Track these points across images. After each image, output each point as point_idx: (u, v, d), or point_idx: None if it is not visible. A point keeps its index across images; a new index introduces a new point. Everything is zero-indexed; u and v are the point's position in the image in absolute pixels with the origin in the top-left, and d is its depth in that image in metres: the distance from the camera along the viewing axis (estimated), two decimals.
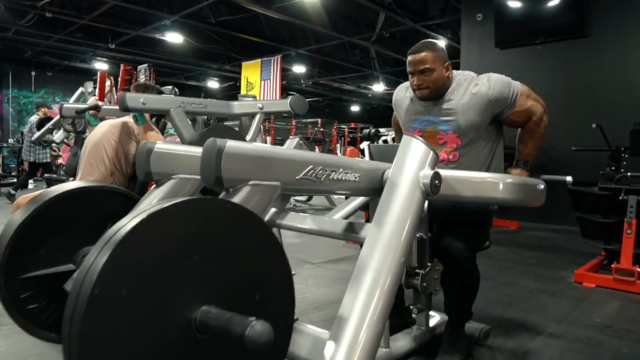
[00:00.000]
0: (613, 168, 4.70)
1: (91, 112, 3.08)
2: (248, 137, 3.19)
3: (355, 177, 1.35)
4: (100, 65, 14.17)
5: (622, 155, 4.57)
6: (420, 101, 2.00)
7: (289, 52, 12.14)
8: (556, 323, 2.43)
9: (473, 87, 1.91)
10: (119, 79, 4.95)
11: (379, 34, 10.16)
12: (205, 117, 3.54)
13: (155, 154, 1.44)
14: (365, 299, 1.18)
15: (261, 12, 9.29)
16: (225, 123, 3.61)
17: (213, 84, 18.02)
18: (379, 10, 9.10)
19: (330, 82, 16.88)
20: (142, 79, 5.19)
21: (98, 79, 5.23)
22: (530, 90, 1.98)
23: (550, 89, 6.19)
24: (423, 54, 1.87)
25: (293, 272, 3.56)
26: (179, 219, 0.87)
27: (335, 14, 10.20)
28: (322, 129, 8.98)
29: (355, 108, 23.84)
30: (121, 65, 5.00)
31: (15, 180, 9.53)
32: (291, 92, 20.15)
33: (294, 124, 17.72)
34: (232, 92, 16.79)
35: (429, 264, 1.79)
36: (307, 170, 1.24)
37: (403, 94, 2.13)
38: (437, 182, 1.33)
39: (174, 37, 11.20)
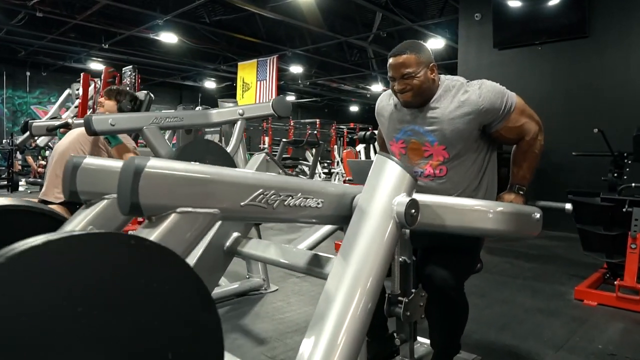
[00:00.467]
0: (615, 175, 4.51)
1: (61, 130, 2.89)
2: (230, 146, 3.00)
3: (318, 204, 1.15)
4: (95, 66, 13.99)
5: (625, 161, 4.37)
6: (404, 108, 1.81)
7: (285, 52, 11.93)
8: (554, 350, 2.24)
9: (462, 94, 1.72)
10: (101, 81, 4.77)
11: (376, 34, 9.97)
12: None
13: (83, 171, 1.25)
14: (325, 347, 0.99)
15: (256, 12, 9.10)
16: (209, 131, 3.40)
17: (210, 84, 17.85)
18: (375, 10, 8.90)
19: (329, 82, 16.69)
20: (126, 81, 5.00)
21: (81, 82, 5.05)
22: (526, 105, 1.79)
23: (551, 90, 6.00)
24: (405, 56, 1.68)
25: (275, 288, 3.35)
26: (56, 261, 0.63)
27: (332, 13, 10.02)
28: (317, 131, 8.77)
29: (354, 108, 23.65)
30: (103, 67, 4.81)
31: (5, 182, 9.37)
32: (290, 93, 19.98)
33: (292, 124, 17.57)
34: (229, 92, 16.60)
35: (414, 290, 1.61)
36: (255, 195, 1.04)
37: (386, 101, 1.95)
38: (413, 211, 1.14)
39: (169, 37, 11.03)
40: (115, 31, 10.80)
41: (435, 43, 10.64)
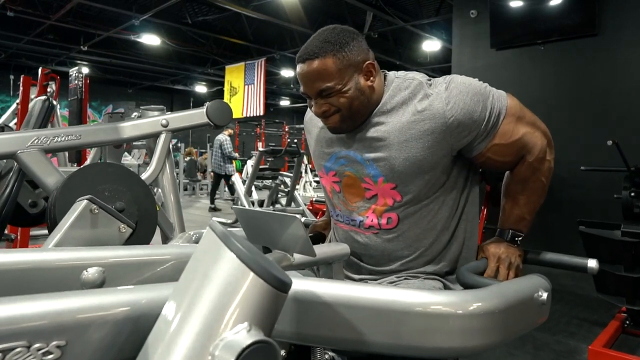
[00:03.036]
0: (633, 194, 3.88)
1: None
2: (150, 168, 2.37)
3: (48, 353, 0.51)
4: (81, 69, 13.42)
5: None
6: None
7: (273, 54, 11.37)
8: None
9: (420, 101, 1.09)
10: (37, 84, 4.16)
11: (367, 35, 9.37)
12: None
13: None
14: None
15: (240, 12, 8.54)
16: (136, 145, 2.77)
17: (201, 88, 17.33)
18: (366, 9, 8.31)
19: None
20: (73, 85, 4.38)
21: (21, 84, 4.43)
22: (524, 108, 1.14)
23: (555, 95, 5.35)
24: (318, 61, 1.05)
25: None
26: None
27: (323, 13, 9.48)
28: (296, 139, 8.18)
29: None
30: (40, 68, 4.20)
31: None
32: (284, 97, 19.43)
33: (287, 130, 17.02)
34: (220, 96, 16.05)
35: None
36: None
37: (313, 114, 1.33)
38: None
39: (150, 39, 10.48)
40: (94, 32, 10.29)
41: (431, 45, 10.06)
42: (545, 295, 0.80)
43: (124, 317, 0.55)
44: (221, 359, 0.49)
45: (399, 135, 1.08)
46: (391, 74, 1.18)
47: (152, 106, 2.53)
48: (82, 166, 2.41)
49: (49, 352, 0.46)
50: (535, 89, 5.46)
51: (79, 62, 13.40)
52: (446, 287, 1.15)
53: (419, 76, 1.14)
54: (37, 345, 0.46)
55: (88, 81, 4.45)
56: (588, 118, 5.10)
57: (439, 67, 12.04)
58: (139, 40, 10.68)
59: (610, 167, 4.12)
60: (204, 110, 2.49)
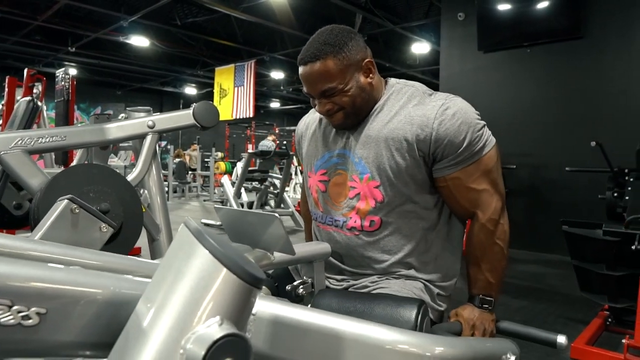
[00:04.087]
0: (615, 194, 3.93)
1: None
2: (136, 169, 2.37)
3: (27, 318, 0.51)
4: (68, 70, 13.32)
5: (627, 178, 3.80)
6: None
7: (263, 56, 11.37)
8: None
9: (415, 106, 1.12)
10: (23, 85, 4.13)
11: None
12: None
13: None
14: None
15: (230, 14, 8.54)
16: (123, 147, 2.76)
17: (191, 90, 17.26)
18: (355, 12, 8.34)
19: None
20: (60, 86, 4.35)
21: (6, 85, 4.40)
22: (499, 165, 1.15)
23: (542, 98, 5.42)
24: (320, 63, 1.08)
25: None
26: None
27: (313, 15, 9.50)
28: (285, 141, 8.18)
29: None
30: (25, 69, 4.17)
31: None
32: (274, 99, 19.41)
33: (277, 131, 17.00)
34: (210, 98, 16.01)
35: None
36: None
37: (311, 116, 1.35)
38: None
39: (140, 40, 10.43)
40: (82, 33, 10.21)
41: (420, 47, 10.12)
42: (513, 359, 0.83)
43: (106, 300, 0.55)
44: (192, 351, 0.49)
45: (387, 133, 1.11)
46: (392, 80, 1.22)
47: (139, 107, 2.53)
48: (67, 167, 2.40)
49: (28, 317, 0.46)
50: (523, 91, 5.53)
51: (66, 63, 13.29)
52: (427, 288, 1.16)
53: (418, 85, 1.18)
54: (17, 307, 0.46)
55: (75, 82, 4.42)
56: (574, 120, 5.17)
57: (429, 69, 12.09)
58: (127, 41, 10.62)
59: (595, 168, 4.18)
60: (191, 111, 2.50)
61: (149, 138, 2.43)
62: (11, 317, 0.47)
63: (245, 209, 6.35)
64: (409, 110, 1.12)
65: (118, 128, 2.36)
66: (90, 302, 0.54)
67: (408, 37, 9.58)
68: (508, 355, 0.78)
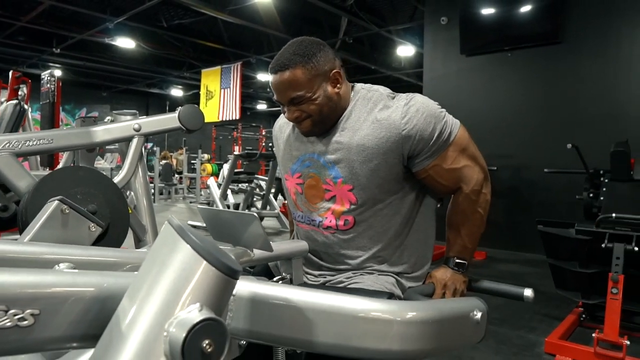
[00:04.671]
0: (591, 195, 4.06)
1: None
2: (123, 171, 2.42)
3: (22, 319, 0.57)
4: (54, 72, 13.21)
5: (602, 179, 3.93)
6: None
7: (249, 58, 11.41)
8: None
9: (380, 111, 1.18)
10: (7, 88, 4.12)
11: (343, 40, 9.50)
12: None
13: None
14: None
15: (216, 16, 8.57)
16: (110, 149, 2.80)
17: (177, 91, 17.22)
18: (341, 15, 8.43)
19: None
20: (45, 88, 4.35)
21: None
22: (471, 141, 1.24)
23: (522, 101, 5.55)
24: (289, 72, 1.14)
25: None
26: None
27: (299, 18, 9.56)
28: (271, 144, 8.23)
29: None
30: (10, 71, 4.17)
31: None
32: (260, 101, 19.44)
33: (263, 133, 17.03)
34: (196, 100, 15.97)
35: None
36: None
37: (284, 120, 1.41)
38: (207, 343, 0.57)
39: (125, 42, 10.40)
40: (67, 34, 10.15)
41: (405, 50, 10.25)
42: (479, 316, 0.89)
43: (93, 297, 0.62)
44: (174, 334, 0.56)
45: (358, 140, 1.17)
46: (358, 86, 1.27)
47: (125, 110, 2.57)
48: (54, 170, 2.43)
49: (23, 319, 0.52)
50: (503, 93, 5.65)
51: (51, 64, 13.18)
52: (399, 283, 1.24)
53: (382, 89, 1.24)
54: (13, 310, 0.52)
55: (61, 84, 4.42)
56: (553, 122, 5.31)
57: (413, 71, 12.22)
58: (113, 43, 10.59)
59: (573, 169, 4.31)
60: (176, 114, 2.55)
61: (135, 141, 2.47)
62: (8, 320, 0.53)
63: (231, 209, 6.39)
64: (376, 114, 1.18)
65: (105, 131, 2.40)
66: (78, 299, 0.60)
67: (393, 40, 9.69)
68: (475, 313, 0.84)
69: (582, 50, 5.10)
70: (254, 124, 18.14)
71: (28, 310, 0.55)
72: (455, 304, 0.90)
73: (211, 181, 6.45)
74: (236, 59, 11.51)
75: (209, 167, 12.92)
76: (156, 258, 0.65)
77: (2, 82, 4.40)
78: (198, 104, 13.11)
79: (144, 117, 2.53)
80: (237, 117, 11.16)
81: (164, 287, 0.61)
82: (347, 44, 9.78)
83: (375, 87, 1.27)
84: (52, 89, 4.32)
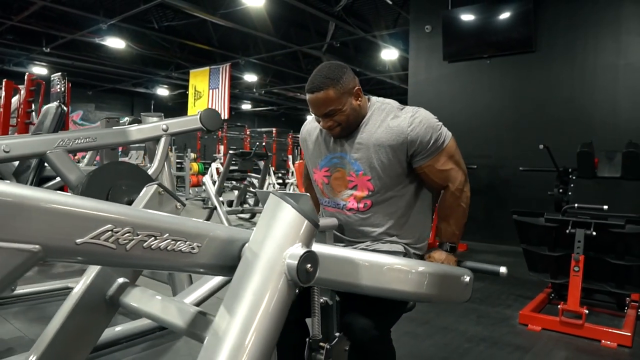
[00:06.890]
0: (561, 190, 4.51)
1: None
2: (152, 167, 2.74)
3: (193, 249, 0.92)
4: (38, 70, 13.26)
5: (570, 177, 4.38)
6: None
7: (238, 60, 11.68)
8: None
9: (392, 119, 1.55)
10: (24, 90, 4.35)
11: (330, 43, 9.86)
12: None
13: None
14: None
15: (207, 19, 8.83)
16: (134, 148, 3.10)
17: (163, 91, 17.35)
18: (329, 20, 8.79)
19: (285, 91, 16.50)
20: (55, 90, 4.60)
21: (3, 90, 4.61)
22: (458, 150, 1.61)
23: (499, 104, 6.01)
24: (323, 92, 1.48)
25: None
26: None
27: (287, 22, 9.87)
28: (265, 143, 8.55)
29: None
30: (26, 74, 4.40)
31: None
32: (245, 101, 19.67)
33: (248, 133, 17.27)
34: (182, 100, 16.14)
35: (337, 334, 1.41)
36: (99, 231, 0.77)
37: (313, 124, 1.76)
38: (309, 266, 0.93)
39: (116, 43, 10.58)
40: (57, 34, 10.28)
41: (389, 54, 10.67)
42: (468, 279, 1.36)
43: (226, 238, 0.97)
44: (290, 261, 0.92)
45: (374, 141, 1.53)
46: (373, 98, 1.63)
47: (151, 113, 2.89)
48: (103, 165, 2.74)
49: (193, 248, 0.90)
50: (483, 98, 6.10)
51: (38, 63, 13.24)
52: (406, 250, 1.60)
53: (393, 102, 1.61)
54: (189, 242, 0.88)
55: (64, 85, 4.59)
56: (527, 124, 5.76)
57: (397, 74, 12.68)
58: (103, 43, 10.74)
59: (545, 168, 4.76)
60: (198, 117, 2.88)
61: (163, 140, 2.80)
62: (186, 247, 0.89)
63: (227, 207, 6.68)
64: (388, 122, 1.55)
65: (138, 131, 2.72)
66: (216, 239, 0.96)
67: (378, 44, 10.10)
68: (465, 277, 1.25)
69: (553, 59, 5.57)
70: (238, 124, 18.37)
71: (196, 243, 0.91)
72: (451, 268, 1.33)
73: (207, 179, 6.74)
74: (223, 60, 11.77)
75: (195, 166, 13.18)
76: (269, 215, 1.01)
77: (15, 84, 4.60)
78: (185, 103, 13.33)
79: (170, 119, 2.85)
80: (226, 117, 11.42)
81: (278, 232, 0.98)
82: (333, 47, 10.16)
83: (387, 100, 1.64)
84: (62, 90, 4.57)
